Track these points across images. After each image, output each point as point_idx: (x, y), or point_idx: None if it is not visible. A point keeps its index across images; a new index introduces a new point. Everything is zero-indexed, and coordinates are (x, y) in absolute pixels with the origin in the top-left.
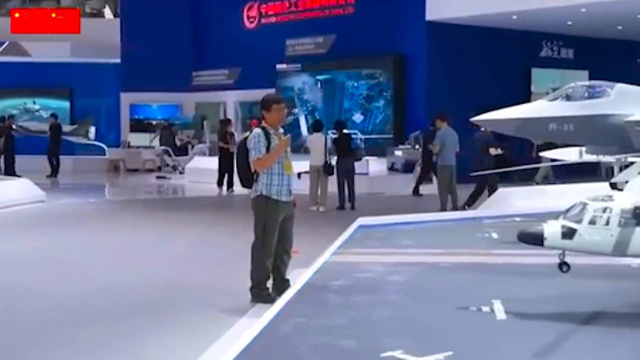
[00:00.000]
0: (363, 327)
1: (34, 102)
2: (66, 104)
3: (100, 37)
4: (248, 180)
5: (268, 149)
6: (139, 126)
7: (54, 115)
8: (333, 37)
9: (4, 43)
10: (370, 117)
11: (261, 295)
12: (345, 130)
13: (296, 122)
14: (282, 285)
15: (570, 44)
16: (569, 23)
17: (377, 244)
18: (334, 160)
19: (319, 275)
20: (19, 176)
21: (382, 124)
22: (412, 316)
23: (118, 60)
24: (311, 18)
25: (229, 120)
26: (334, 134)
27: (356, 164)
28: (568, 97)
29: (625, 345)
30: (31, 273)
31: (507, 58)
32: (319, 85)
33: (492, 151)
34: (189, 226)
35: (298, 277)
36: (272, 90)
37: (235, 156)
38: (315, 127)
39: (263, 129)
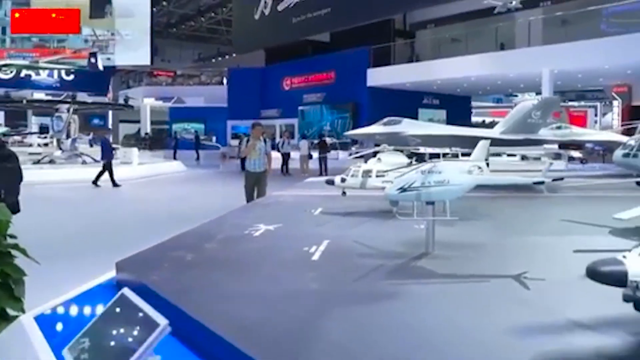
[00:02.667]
0: (258, 217)
1: (188, 125)
2: (202, 126)
3: (218, 94)
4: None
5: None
6: (235, 136)
7: (196, 131)
8: (325, 93)
9: (173, 98)
10: (342, 131)
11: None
12: (324, 138)
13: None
14: None
15: (437, 96)
16: (435, 87)
17: (303, 188)
18: (314, 152)
19: (264, 199)
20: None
21: None
22: (280, 213)
23: (226, 105)
24: (315, 85)
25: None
26: (319, 138)
27: (331, 153)
28: (384, 124)
29: (369, 223)
30: (169, 203)
31: (406, 103)
32: (319, 115)
33: None
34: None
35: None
36: (296, 120)
37: None
38: (303, 136)
39: (248, 138)
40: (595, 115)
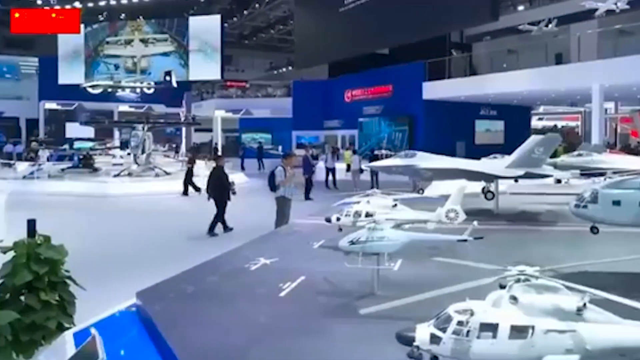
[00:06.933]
0: (262, 250)
1: (256, 135)
2: (269, 136)
3: (284, 106)
4: (273, 188)
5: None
6: (299, 145)
7: (259, 142)
8: (383, 106)
9: (242, 110)
10: (398, 142)
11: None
12: (375, 152)
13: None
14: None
15: (494, 107)
16: (489, 99)
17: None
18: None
19: (284, 228)
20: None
21: (403, 146)
22: (284, 245)
23: (291, 116)
24: (374, 97)
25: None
26: (371, 153)
27: None
28: (402, 157)
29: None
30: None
31: (463, 115)
32: (378, 127)
33: None
34: None
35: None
36: (356, 131)
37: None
38: (354, 152)
39: (283, 166)
40: None
